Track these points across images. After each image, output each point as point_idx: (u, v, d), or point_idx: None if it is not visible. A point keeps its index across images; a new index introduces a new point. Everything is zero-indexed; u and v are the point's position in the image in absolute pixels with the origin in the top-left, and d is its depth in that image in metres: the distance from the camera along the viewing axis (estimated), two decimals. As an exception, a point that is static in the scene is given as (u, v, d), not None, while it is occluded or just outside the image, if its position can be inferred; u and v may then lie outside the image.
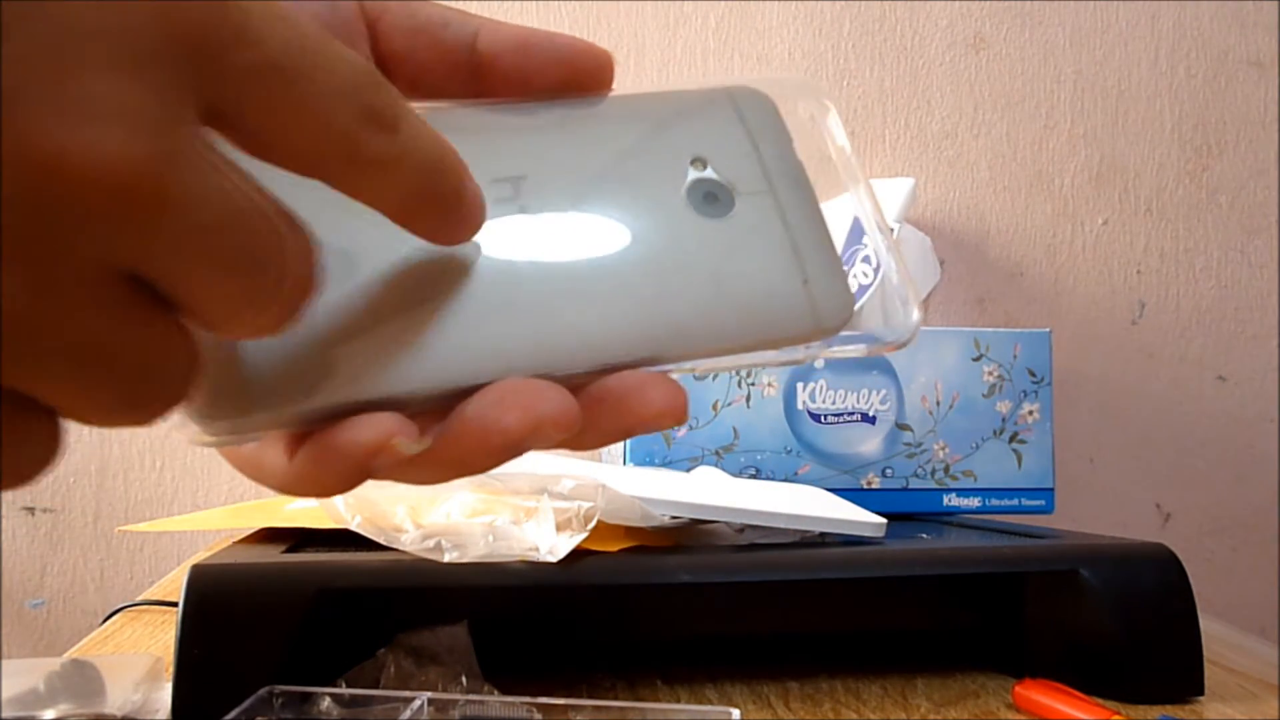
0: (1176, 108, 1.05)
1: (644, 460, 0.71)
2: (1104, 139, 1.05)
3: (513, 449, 0.21)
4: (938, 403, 0.74)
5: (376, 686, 0.43)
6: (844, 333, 0.25)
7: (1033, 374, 0.75)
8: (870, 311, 0.26)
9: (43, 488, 0.96)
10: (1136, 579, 0.48)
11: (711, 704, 0.46)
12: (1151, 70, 1.05)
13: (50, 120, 0.15)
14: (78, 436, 0.95)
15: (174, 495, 0.97)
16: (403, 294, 0.22)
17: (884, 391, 0.73)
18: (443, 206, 0.21)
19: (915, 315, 0.26)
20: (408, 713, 0.37)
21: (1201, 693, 0.47)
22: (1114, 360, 1.04)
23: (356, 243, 0.22)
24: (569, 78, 0.26)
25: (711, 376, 0.71)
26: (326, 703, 0.38)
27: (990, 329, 0.75)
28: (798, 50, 1.03)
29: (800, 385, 0.72)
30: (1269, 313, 1.05)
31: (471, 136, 0.24)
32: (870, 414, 0.73)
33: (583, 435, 0.22)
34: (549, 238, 0.24)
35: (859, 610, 0.54)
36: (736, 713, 0.36)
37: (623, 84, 0.27)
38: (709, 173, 0.26)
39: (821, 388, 0.72)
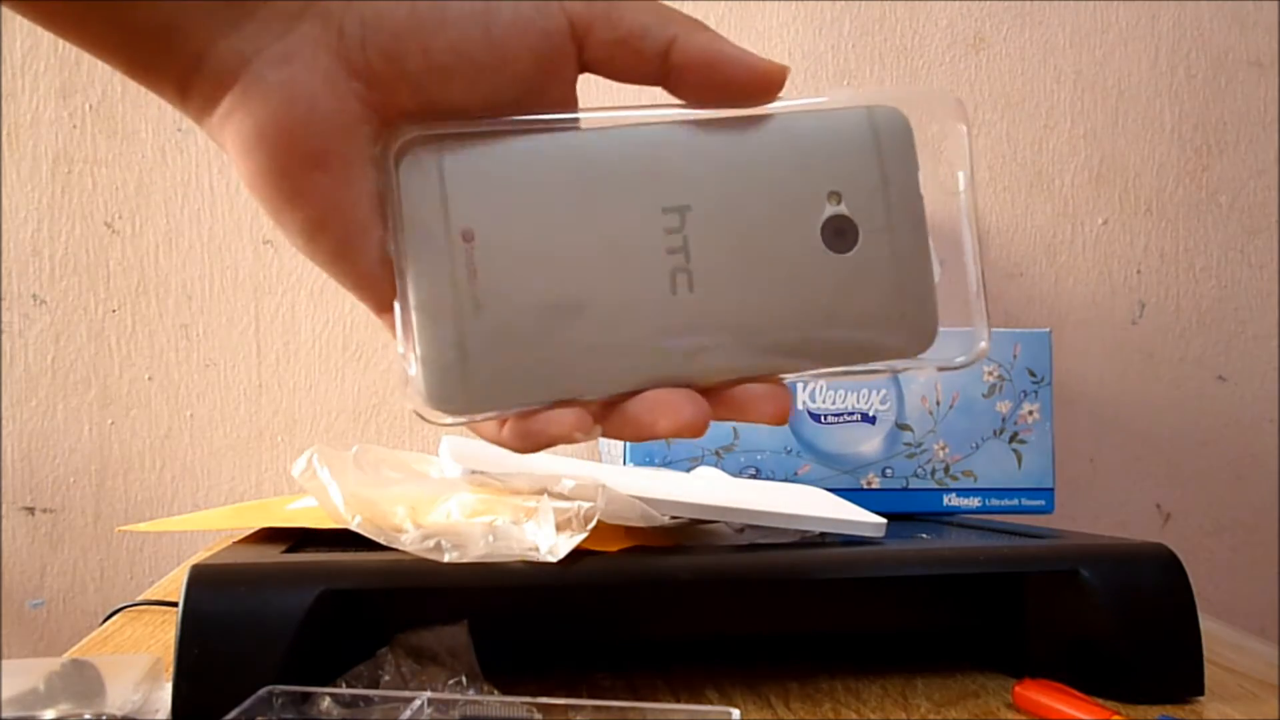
0: (1176, 108, 1.05)
1: (644, 460, 0.71)
2: (1104, 139, 1.05)
3: (656, 440, 0.30)
4: (938, 403, 0.74)
5: (376, 686, 0.43)
6: (923, 356, 0.31)
7: (1033, 374, 0.75)
8: (947, 338, 0.32)
9: (43, 488, 0.96)
10: (1136, 579, 0.48)
11: (711, 704, 0.46)
12: (1151, 70, 1.05)
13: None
14: (78, 437, 0.95)
15: (174, 495, 0.97)
16: (589, 321, 0.30)
17: (884, 391, 0.73)
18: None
19: (983, 344, 0.32)
20: (408, 713, 0.36)
21: (1201, 693, 0.47)
22: (1114, 360, 1.04)
23: (564, 288, 0.30)
24: (744, 95, 0.31)
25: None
26: (326, 703, 0.38)
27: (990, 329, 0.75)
28: (798, 50, 1.02)
29: (800, 385, 0.72)
30: (1269, 313, 1.05)
31: (645, 162, 0.31)
32: (870, 414, 0.73)
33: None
34: (703, 269, 0.30)
35: (859, 610, 0.54)
36: (736, 713, 0.36)
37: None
38: (842, 208, 0.31)
39: (821, 388, 0.72)
